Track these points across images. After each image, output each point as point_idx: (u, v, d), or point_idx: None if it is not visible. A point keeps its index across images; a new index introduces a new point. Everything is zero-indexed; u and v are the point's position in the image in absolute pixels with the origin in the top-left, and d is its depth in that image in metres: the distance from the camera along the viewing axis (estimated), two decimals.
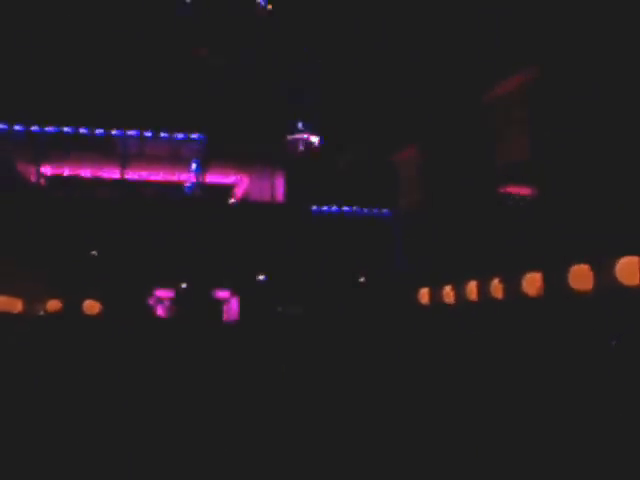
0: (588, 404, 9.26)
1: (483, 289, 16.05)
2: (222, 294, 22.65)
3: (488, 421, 9.08)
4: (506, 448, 7.71)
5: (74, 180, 22.88)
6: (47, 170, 22.85)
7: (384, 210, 23.94)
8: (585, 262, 12.51)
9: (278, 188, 24.42)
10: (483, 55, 16.03)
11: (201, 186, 23.48)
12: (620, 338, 10.85)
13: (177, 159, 23.31)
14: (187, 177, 23.77)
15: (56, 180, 22.75)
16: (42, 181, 22.64)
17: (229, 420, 9.08)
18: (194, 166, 23.33)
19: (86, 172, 23.14)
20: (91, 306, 20.17)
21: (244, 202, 24.24)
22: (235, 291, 22.38)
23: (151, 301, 21.78)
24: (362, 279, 22.67)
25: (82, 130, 22.19)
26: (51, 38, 18.51)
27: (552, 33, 14.28)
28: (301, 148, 21.42)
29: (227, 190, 24.99)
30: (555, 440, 7.92)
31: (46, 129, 21.88)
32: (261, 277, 22.11)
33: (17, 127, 21.53)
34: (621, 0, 12.59)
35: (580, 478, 6.83)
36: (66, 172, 22.91)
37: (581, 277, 12.58)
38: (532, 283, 13.79)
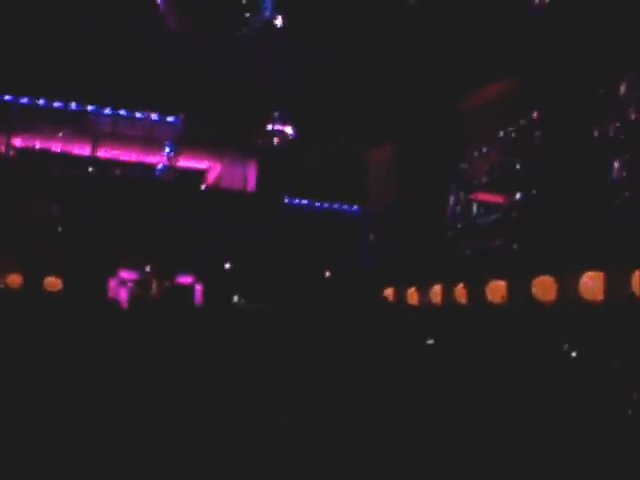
0: (543, 412, 9.40)
1: (448, 293, 16.20)
2: (185, 279, 22.54)
3: (442, 428, 9.18)
4: (458, 457, 7.80)
5: (44, 154, 22.59)
6: (17, 142, 22.56)
7: (354, 207, 24.04)
8: (550, 274, 12.71)
9: (250, 177, 24.42)
10: (462, 62, 16.13)
11: (173, 169, 23.36)
12: (579, 351, 11.05)
13: (150, 141, 23.19)
14: (159, 159, 23.63)
15: (26, 152, 22.45)
16: (12, 152, 22.35)
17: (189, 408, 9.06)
18: (167, 149, 23.22)
19: (57, 147, 22.87)
20: (53, 283, 19.99)
21: (215, 189, 24.18)
22: (199, 278, 22.28)
23: (114, 282, 21.62)
24: (327, 274, 22.73)
25: (56, 104, 21.96)
26: (32, 9, 18.18)
27: (530, 45, 14.42)
28: (276, 139, 21.35)
29: (199, 175, 24.91)
30: (510, 450, 8.03)
31: (19, 100, 21.63)
32: (227, 265, 22.07)
33: None
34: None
35: None
36: (37, 145, 22.62)
37: (545, 288, 12.79)
38: (497, 290, 13.98)
